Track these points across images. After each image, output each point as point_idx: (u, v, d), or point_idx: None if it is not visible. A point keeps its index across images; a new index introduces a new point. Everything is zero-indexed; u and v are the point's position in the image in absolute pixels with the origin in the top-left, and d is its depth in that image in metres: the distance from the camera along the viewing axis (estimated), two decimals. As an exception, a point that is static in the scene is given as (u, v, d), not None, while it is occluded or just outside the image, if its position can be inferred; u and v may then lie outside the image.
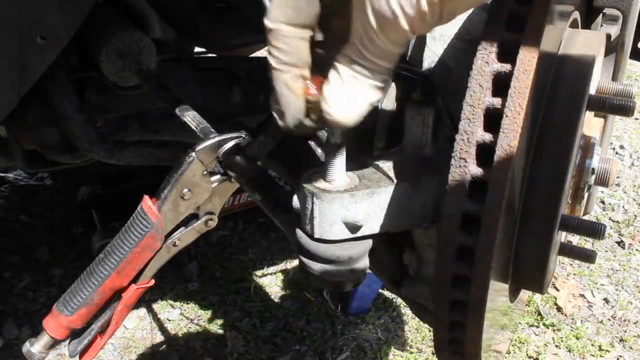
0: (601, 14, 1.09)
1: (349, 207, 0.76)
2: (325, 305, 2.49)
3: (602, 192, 3.28)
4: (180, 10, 1.62)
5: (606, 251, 2.87)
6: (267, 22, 0.61)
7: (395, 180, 0.80)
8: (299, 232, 0.81)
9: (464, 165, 0.69)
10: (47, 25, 1.10)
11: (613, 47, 1.15)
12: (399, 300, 2.49)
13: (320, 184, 0.77)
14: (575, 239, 2.76)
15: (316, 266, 0.80)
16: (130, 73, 1.37)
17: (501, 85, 0.69)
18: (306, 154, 1.02)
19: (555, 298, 2.54)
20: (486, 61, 0.69)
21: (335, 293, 2.49)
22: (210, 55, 2.08)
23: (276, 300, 2.54)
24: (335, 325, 2.39)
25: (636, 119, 4.13)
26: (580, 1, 0.98)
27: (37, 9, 1.08)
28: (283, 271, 2.70)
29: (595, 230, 0.84)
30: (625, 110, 0.81)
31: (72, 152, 1.48)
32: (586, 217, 0.95)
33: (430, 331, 2.32)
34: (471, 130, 0.69)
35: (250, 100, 1.65)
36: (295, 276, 2.65)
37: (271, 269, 2.71)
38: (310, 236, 0.79)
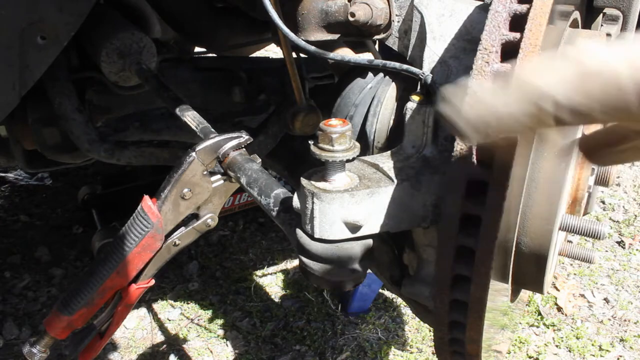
0: (601, 14, 1.09)
1: (349, 207, 0.76)
2: (326, 305, 2.49)
3: (602, 192, 3.28)
4: (181, 10, 1.62)
5: (606, 251, 2.87)
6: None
7: (395, 180, 0.80)
8: (299, 232, 0.81)
9: (464, 165, 0.69)
10: (47, 25, 1.10)
11: (613, 47, 1.15)
12: (399, 300, 2.49)
13: (321, 184, 0.77)
14: (576, 239, 2.76)
15: (316, 266, 0.80)
16: (130, 73, 1.37)
17: (501, 85, 0.69)
18: (306, 154, 1.02)
19: (556, 298, 2.54)
20: (486, 61, 0.69)
21: (335, 293, 2.49)
22: (210, 55, 2.08)
23: (276, 300, 2.54)
24: (336, 325, 2.39)
25: (636, 118, 4.13)
26: (580, 1, 0.98)
27: (37, 9, 1.08)
28: (283, 271, 2.70)
29: (595, 230, 0.84)
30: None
31: (72, 152, 1.48)
32: (586, 217, 0.95)
33: (430, 331, 2.31)
34: (471, 130, 0.69)
35: (250, 100, 1.65)
36: (296, 276, 2.65)
37: (271, 269, 2.71)
38: (311, 236, 0.79)
